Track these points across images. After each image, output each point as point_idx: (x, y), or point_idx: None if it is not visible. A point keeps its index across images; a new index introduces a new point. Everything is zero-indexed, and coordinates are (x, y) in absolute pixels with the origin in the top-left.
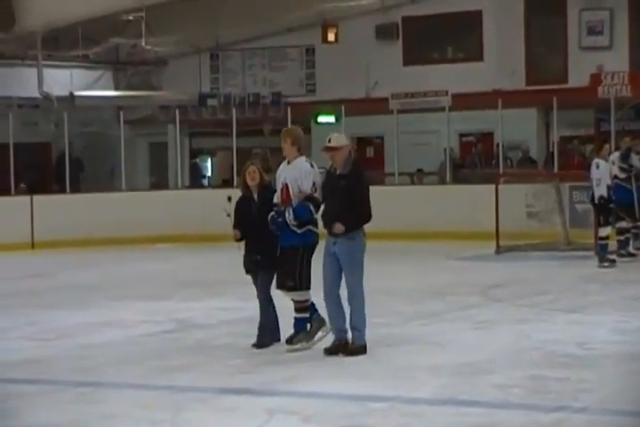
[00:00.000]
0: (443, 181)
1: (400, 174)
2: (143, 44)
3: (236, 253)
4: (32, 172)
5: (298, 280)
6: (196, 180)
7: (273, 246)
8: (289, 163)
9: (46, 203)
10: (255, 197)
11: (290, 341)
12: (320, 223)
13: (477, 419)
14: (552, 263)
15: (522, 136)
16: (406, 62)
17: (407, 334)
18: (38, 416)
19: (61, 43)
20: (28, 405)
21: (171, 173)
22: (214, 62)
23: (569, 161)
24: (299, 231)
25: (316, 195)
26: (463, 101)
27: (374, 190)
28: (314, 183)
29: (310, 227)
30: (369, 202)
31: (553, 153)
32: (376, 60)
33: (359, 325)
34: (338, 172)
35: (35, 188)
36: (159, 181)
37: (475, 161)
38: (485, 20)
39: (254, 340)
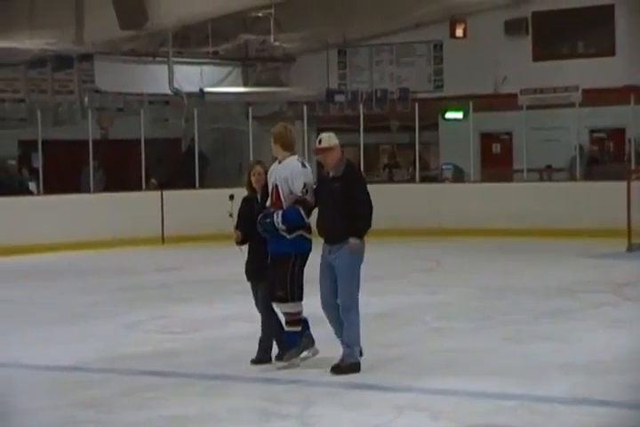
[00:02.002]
0: (573, 178)
1: (529, 171)
2: (272, 40)
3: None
4: (162, 167)
5: (289, 291)
6: None
7: None
8: (280, 162)
9: (176, 198)
10: (259, 198)
11: (280, 357)
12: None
13: (611, 420)
14: None
15: None
16: (536, 58)
17: (538, 331)
18: (168, 408)
19: (191, 40)
20: (158, 397)
21: None
22: (342, 58)
23: None
24: (288, 237)
25: (308, 197)
26: (594, 97)
27: (502, 187)
28: (305, 184)
29: (302, 232)
30: (370, 204)
31: None
32: (505, 55)
33: (351, 341)
34: (331, 174)
35: (165, 183)
36: None
37: (605, 157)
38: (617, 14)
39: (379, 336)
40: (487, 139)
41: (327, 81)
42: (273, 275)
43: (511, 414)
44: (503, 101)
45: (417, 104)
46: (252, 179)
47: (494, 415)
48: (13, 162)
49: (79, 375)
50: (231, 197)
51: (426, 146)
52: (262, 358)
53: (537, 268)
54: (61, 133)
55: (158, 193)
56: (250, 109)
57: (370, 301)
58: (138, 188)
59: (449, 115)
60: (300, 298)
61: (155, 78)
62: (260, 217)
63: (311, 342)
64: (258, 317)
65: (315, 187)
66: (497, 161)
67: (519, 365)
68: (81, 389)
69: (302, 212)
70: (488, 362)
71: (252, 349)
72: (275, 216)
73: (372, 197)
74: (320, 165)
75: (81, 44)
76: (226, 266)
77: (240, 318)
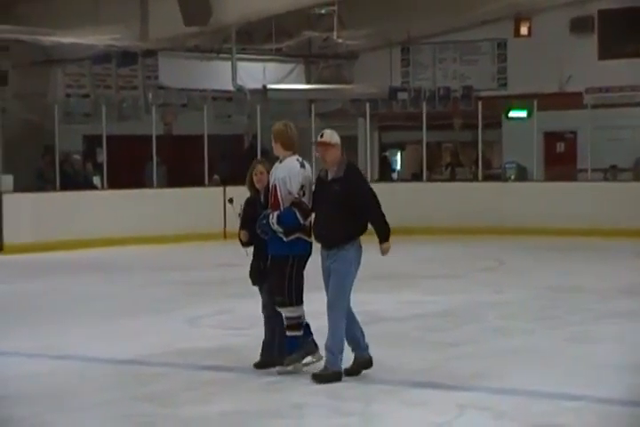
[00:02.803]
0: (638, 178)
1: (593, 171)
2: (335, 37)
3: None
4: (225, 163)
5: (287, 295)
6: (385, 173)
7: None
8: (280, 162)
9: (239, 194)
10: (262, 199)
11: (280, 362)
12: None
13: None
14: None
15: None
16: (601, 56)
17: (599, 332)
18: (228, 403)
19: (255, 36)
20: (219, 392)
21: (360, 167)
22: (405, 56)
23: None
24: (285, 239)
25: (305, 199)
26: None
27: (566, 186)
28: (302, 186)
29: (300, 235)
30: (378, 204)
31: None
32: (570, 53)
33: (334, 347)
34: (329, 176)
35: (227, 179)
36: None
37: None
38: None
39: (441, 334)
40: (551, 138)
41: (390, 78)
42: (272, 278)
43: (573, 415)
44: (568, 100)
45: (480, 102)
46: (254, 178)
47: (556, 416)
48: (78, 157)
49: (139, 369)
50: (230, 201)
51: (489, 144)
52: (266, 361)
53: (599, 268)
54: (125, 129)
55: (221, 189)
56: (312, 106)
57: (431, 299)
58: (200, 183)
59: (513, 113)
60: (300, 302)
61: (218, 75)
62: (258, 219)
63: (314, 347)
64: (320, 312)
65: (313, 189)
66: (561, 160)
67: (581, 365)
68: (141, 383)
69: (298, 214)
70: (550, 362)
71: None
72: (270, 217)
73: (434, 196)
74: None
75: (145, 40)
76: None
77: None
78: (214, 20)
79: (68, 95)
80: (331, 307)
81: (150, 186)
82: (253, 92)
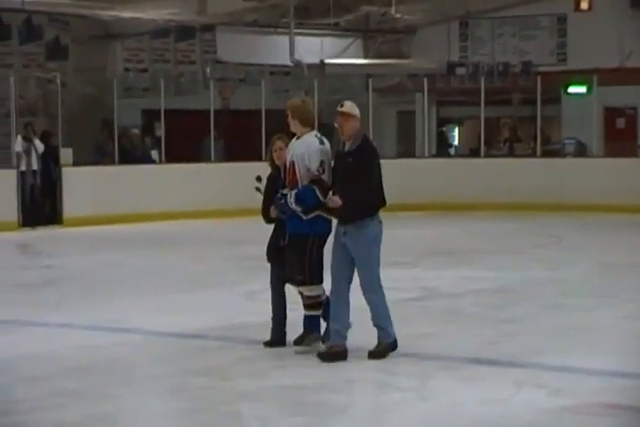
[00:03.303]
0: None
1: None
2: (393, 12)
3: None
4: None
5: (308, 274)
6: (442, 149)
7: None
8: (297, 138)
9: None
10: (283, 175)
11: (299, 341)
12: None
13: None
14: None
15: None
16: None
17: None
18: (284, 378)
19: (313, 11)
20: (275, 366)
21: (418, 142)
22: (463, 31)
23: None
24: (304, 218)
25: (324, 176)
26: None
27: (626, 162)
28: (322, 162)
29: (320, 213)
30: (375, 183)
31: None
32: (630, 28)
33: (382, 321)
34: (346, 149)
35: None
36: (406, 150)
37: None
38: None
39: (497, 311)
40: (611, 113)
41: (448, 53)
42: (290, 257)
43: (629, 393)
44: (628, 75)
45: (539, 77)
46: (274, 155)
47: (613, 394)
48: (137, 131)
49: (197, 343)
50: (258, 179)
51: (548, 120)
52: (275, 339)
53: None
54: (183, 103)
55: None
56: (370, 81)
57: (488, 275)
58: (258, 158)
59: (572, 89)
60: (320, 281)
61: (276, 49)
62: (276, 198)
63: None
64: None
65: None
66: (621, 136)
67: (638, 344)
68: (199, 356)
69: (318, 191)
70: (607, 340)
71: (365, 321)
72: (288, 196)
73: (492, 172)
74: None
75: (204, 15)
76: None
77: (357, 289)
78: None
79: (127, 70)
80: (369, 289)
81: (208, 160)
82: (311, 66)
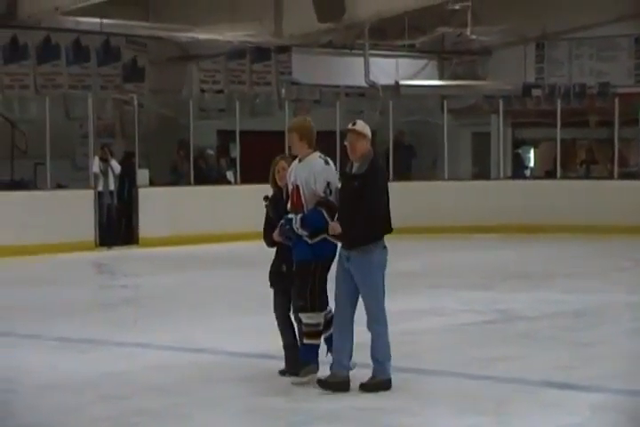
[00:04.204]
0: None
1: None
2: (469, 33)
3: None
4: None
5: (309, 300)
6: (517, 170)
7: None
8: (300, 161)
9: None
10: (285, 197)
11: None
12: None
13: None
14: None
15: None
16: None
17: None
18: (361, 399)
19: (388, 32)
20: (352, 388)
21: (493, 164)
22: (540, 52)
23: None
24: (310, 242)
25: (331, 198)
26: None
27: None
28: (328, 184)
29: (325, 236)
30: (382, 208)
31: None
32: None
33: (381, 355)
34: (353, 171)
35: None
36: (481, 171)
37: None
38: None
39: (575, 334)
40: None
41: (524, 75)
42: (295, 283)
43: None
44: None
45: (617, 99)
46: (277, 176)
47: None
48: (212, 152)
49: (272, 364)
50: (266, 199)
51: (626, 142)
52: (290, 368)
53: None
54: (258, 124)
55: None
56: (445, 103)
57: (565, 298)
58: None
59: None
60: (322, 308)
61: (351, 71)
62: (280, 225)
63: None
64: (451, 310)
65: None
66: None
67: None
68: (273, 377)
69: (326, 214)
70: None
71: (445, 342)
72: (294, 222)
73: (568, 194)
74: (343, 164)
75: (279, 37)
76: (420, 259)
77: (434, 311)
78: (348, 16)
79: (203, 91)
80: (373, 319)
81: None
82: (386, 88)
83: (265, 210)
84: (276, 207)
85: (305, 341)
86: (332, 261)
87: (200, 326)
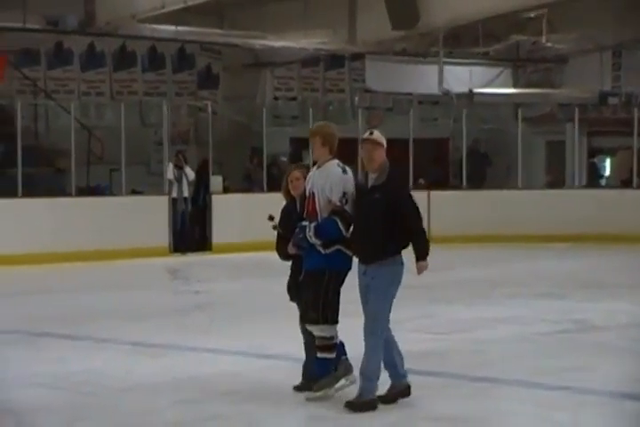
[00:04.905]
0: None
1: None
2: (544, 41)
3: None
4: (431, 167)
5: (321, 312)
6: (593, 179)
7: None
8: (318, 167)
9: (443, 198)
10: (298, 207)
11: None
12: None
13: None
14: None
15: None
16: None
17: None
18: (435, 408)
19: (462, 40)
20: (424, 396)
21: (568, 173)
22: (616, 60)
23: None
24: (323, 252)
25: (347, 208)
26: None
27: None
28: (344, 193)
29: (339, 247)
30: (406, 220)
31: None
32: None
33: (371, 372)
34: (370, 183)
35: (433, 183)
36: (555, 180)
37: None
38: None
39: None
40: None
41: (600, 83)
42: (306, 294)
43: None
44: None
45: None
46: (290, 186)
47: None
48: (285, 159)
49: None
50: (271, 218)
51: None
52: (307, 385)
53: None
54: None
55: (425, 193)
56: (519, 111)
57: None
58: None
59: None
60: (335, 321)
61: (424, 78)
62: (295, 233)
63: (348, 369)
64: (525, 319)
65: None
66: None
67: None
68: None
69: (340, 224)
70: None
71: (519, 352)
72: (307, 230)
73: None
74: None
75: (353, 44)
76: (494, 267)
77: (509, 320)
78: (422, 23)
79: (276, 98)
80: (368, 330)
81: None
82: (459, 95)
83: (274, 229)
84: (289, 218)
85: (318, 355)
86: (346, 273)
87: (272, 333)
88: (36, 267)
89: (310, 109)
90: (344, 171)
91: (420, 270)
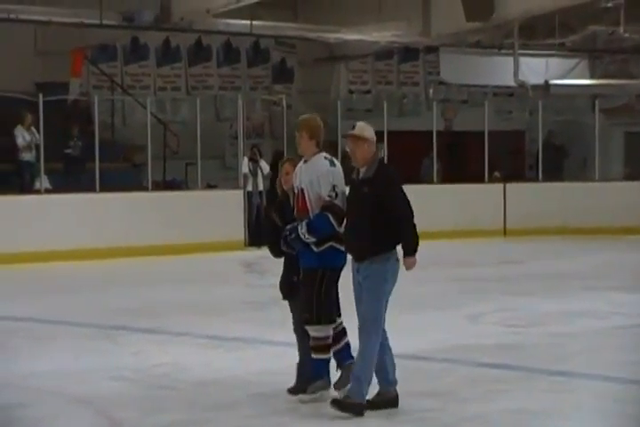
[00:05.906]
0: None
1: None
2: (621, 31)
3: None
4: (506, 159)
5: (315, 312)
6: None
7: None
8: (306, 162)
9: (519, 191)
10: (292, 202)
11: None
12: None
13: None
14: None
15: None
16: None
17: None
18: (514, 402)
19: (538, 31)
20: (503, 390)
21: None
22: None
23: None
24: (316, 250)
25: (338, 202)
26: None
27: None
28: (334, 187)
29: (332, 244)
30: (395, 216)
31: None
32: None
33: (361, 374)
34: (360, 177)
35: (509, 175)
36: (633, 172)
37: None
38: None
39: None
40: None
41: None
42: (302, 294)
43: None
44: None
45: None
46: (282, 179)
47: None
48: None
49: (420, 364)
50: (276, 211)
51: None
52: (300, 387)
53: None
54: (406, 124)
55: (501, 186)
56: (596, 102)
57: None
58: (480, 180)
59: None
60: (330, 321)
61: (499, 70)
62: (284, 234)
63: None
64: (603, 313)
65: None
66: None
67: None
68: (422, 378)
69: (332, 219)
70: None
71: (596, 346)
72: (299, 228)
73: None
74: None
75: (427, 37)
76: (570, 261)
77: (587, 314)
78: (496, 15)
79: (351, 91)
80: (362, 330)
81: (427, 181)
82: (535, 87)
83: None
84: (283, 213)
85: (313, 355)
86: (341, 271)
87: (347, 326)
88: (113, 261)
89: (384, 103)
90: (332, 163)
91: (408, 267)
